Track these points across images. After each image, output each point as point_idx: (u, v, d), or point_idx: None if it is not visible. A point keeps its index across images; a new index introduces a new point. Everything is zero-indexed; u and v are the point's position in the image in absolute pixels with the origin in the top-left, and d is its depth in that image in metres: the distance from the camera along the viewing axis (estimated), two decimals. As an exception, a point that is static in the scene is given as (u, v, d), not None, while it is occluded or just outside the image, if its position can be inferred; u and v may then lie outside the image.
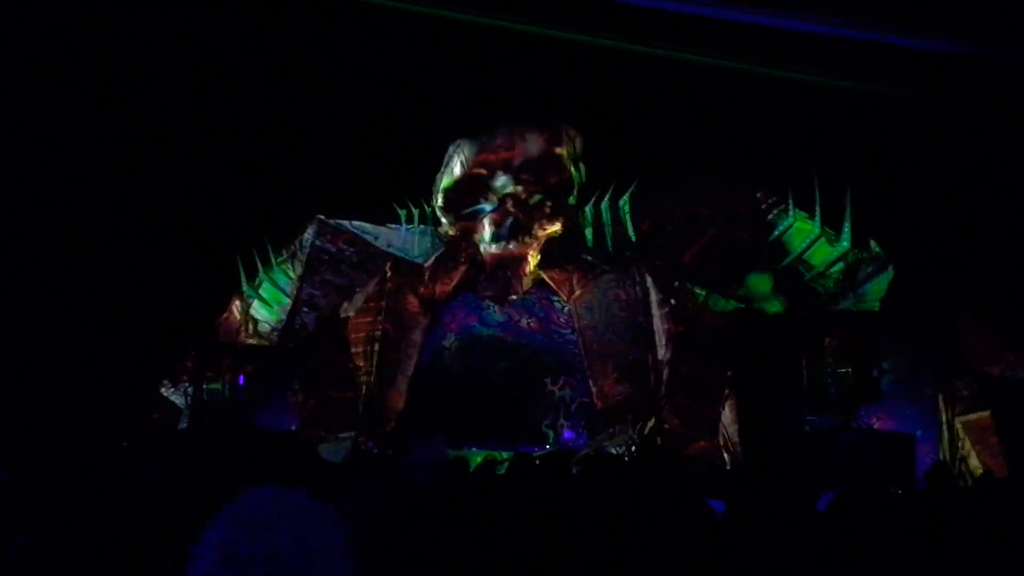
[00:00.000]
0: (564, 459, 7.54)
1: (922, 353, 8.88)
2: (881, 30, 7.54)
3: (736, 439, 9.74)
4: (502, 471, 6.77)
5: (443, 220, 11.59)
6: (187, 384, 11.74)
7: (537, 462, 5.20)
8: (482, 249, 11.23)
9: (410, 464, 3.77)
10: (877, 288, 9.35)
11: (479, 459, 9.54)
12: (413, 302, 12.19)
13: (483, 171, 11.08)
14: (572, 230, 11.08)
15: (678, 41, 8.74)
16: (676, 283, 10.52)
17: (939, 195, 8.67)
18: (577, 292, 11.17)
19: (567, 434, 10.94)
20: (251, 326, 12.15)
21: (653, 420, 10.28)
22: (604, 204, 11.15)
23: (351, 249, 12.16)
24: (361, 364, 12.12)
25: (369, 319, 12.27)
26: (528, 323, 11.64)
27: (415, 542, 1.99)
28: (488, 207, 11.08)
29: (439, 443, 10.70)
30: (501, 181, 10.98)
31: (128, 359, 11.08)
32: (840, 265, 9.65)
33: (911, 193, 8.83)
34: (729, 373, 10.01)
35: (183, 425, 11.36)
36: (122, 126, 11.19)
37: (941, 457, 8.26)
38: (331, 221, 12.34)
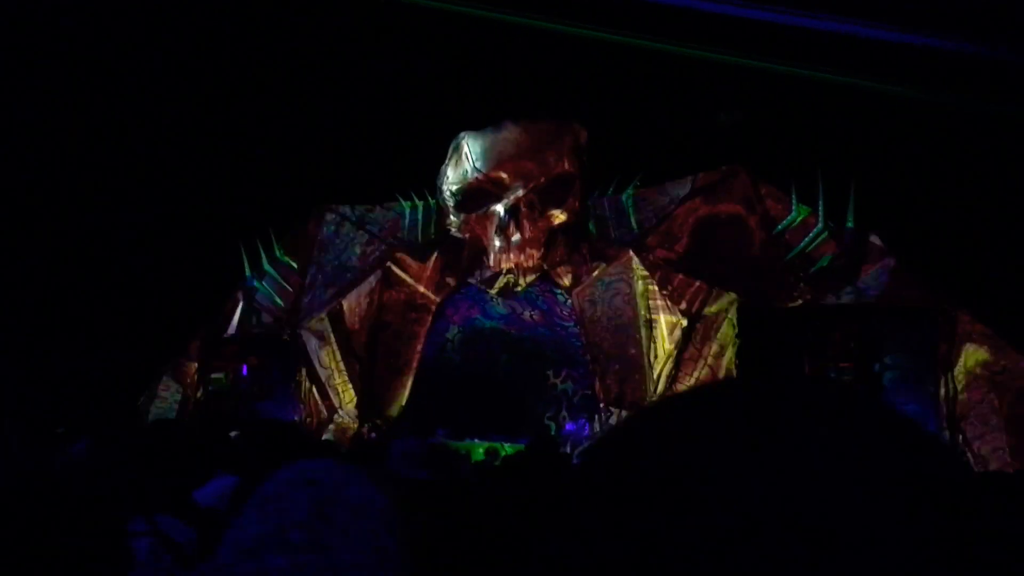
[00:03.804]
0: (561, 449, 7.55)
1: (923, 349, 8.89)
2: (884, 27, 7.54)
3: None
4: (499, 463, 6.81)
5: (448, 213, 11.60)
6: (190, 376, 11.79)
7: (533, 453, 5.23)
8: (485, 241, 11.21)
9: (402, 454, 3.78)
10: (878, 282, 9.35)
11: (481, 451, 9.60)
12: (416, 293, 12.22)
13: (486, 164, 11.07)
14: (576, 223, 11.08)
15: (681, 36, 8.74)
16: (679, 276, 10.54)
17: (942, 191, 8.67)
18: (580, 285, 11.19)
19: (569, 426, 10.98)
20: (255, 317, 12.18)
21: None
22: (607, 198, 11.15)
23: (354, 237, 12.18)
24: (363, 355, 12.15)
25: (372, 310, 12.30)
26: (531, 316, 11.65)
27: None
28: (490, 199, 11.06)
29: (421, 441, 10.71)
30: (504, 173, 10.96)
31: (131, 351, 11.12)
32: (843, 259, 9.64)
33: (914, 189, 8.82)
34: (732, 367, 10.04)
35: (182, 416, 11.40)
36: (124, 117, 11.21)
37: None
38: (334, 208, 12.37)
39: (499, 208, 10.97)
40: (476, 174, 11.03)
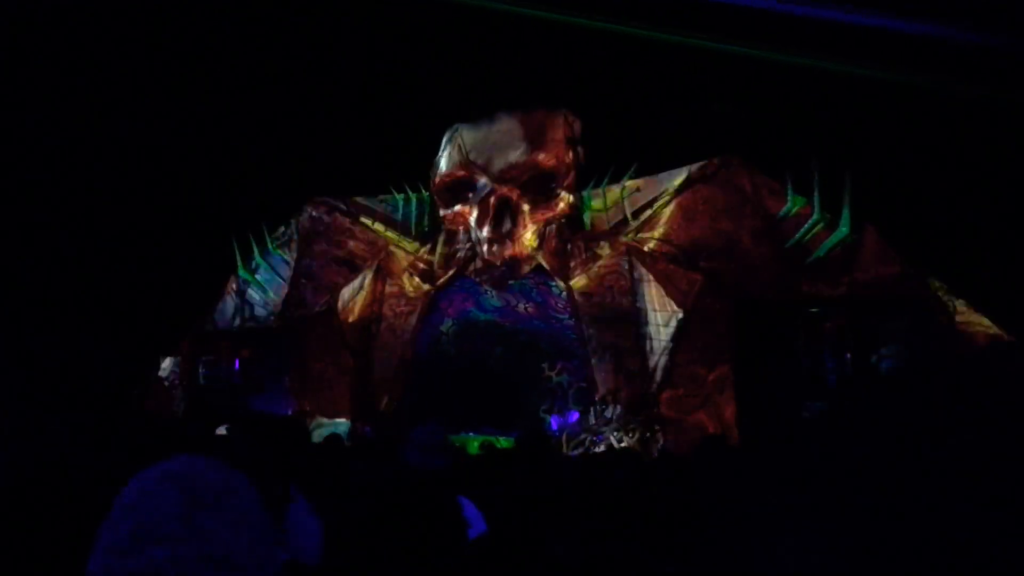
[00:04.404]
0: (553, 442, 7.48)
1: (920, 339, 8.87)
2: (880, 15, 7.50)
3: (733, 425, 9.75)
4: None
5: (442, 204, 11.55)
6: (184, 369, 11.73)
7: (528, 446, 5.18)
8: (479, 233, 11.16)
9: (417, 447, 3.74)
10: (874, 273, 9.32)
11: (476, 444, 9.56)
12: (410, 286, 12.17)
13: (480, 155, 11.03)
14: (570, 214, 11.04)
15: (677, 25, 8.69)
16: (674, 267, 10.50)
17: (939, 181, 8.64)
18: (575, 277, 11.14)
19: (555, 419, 10.93)
20: (247, 310, 12.12)
21: (651, 406, 10.28)
22: (602, 188, 11.10)
23: (348, 229, 12.14)
24: (357, 348, 12.11)
25: (366, 303, 12.25)
26: (526, 308, 11.60)
27: (422, 523, 1.96)
28: (484, 191, 11.00)
29: (438, 428, 10.67)
30: (498, 165, 10.92)
31: (123, 345, 11.06)
32: (839, 250, 9.62)
33: (910, 179, 8.79)
34: (727, 358, 10.01)
35: (175, 410, 11.36)
36: (116, 112, 11.13)
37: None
38: (327, 201, 12.32)
39: (493, 199, 10.92)
40: (470, 165, 10.99)
